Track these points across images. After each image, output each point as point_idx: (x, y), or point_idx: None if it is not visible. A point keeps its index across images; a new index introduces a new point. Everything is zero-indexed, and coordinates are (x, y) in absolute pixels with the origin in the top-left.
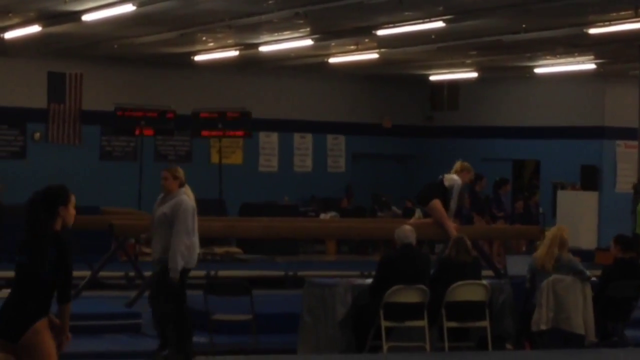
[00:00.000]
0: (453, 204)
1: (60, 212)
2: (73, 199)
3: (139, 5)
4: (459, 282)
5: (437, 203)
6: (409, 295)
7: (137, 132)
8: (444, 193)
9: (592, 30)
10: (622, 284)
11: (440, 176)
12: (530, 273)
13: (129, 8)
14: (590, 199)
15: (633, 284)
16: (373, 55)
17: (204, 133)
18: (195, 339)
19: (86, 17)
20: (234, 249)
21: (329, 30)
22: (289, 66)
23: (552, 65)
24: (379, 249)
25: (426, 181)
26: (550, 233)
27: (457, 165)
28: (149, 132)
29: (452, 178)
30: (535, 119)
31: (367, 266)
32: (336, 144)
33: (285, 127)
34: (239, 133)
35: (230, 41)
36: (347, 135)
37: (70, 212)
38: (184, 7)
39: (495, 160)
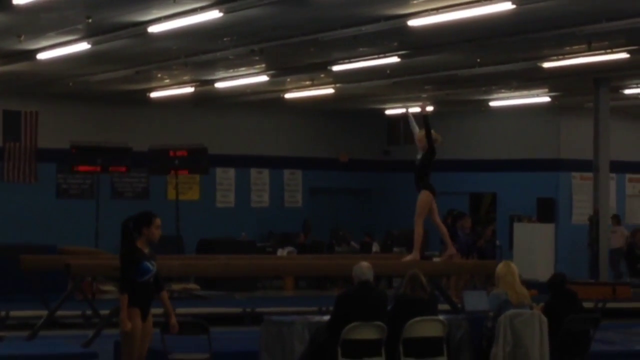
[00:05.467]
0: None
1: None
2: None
3: (94, 44)
4: (416, 319)
5: (425, 195)
6: (367, 332)
7: (93, 170)
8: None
9: (547, 64)
10: (578, 318)
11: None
12: (497, 310)
13: (83, 46)
14: (546, 231)
15: (588, 317)
16: (329, 91)
17: (160, 169)
18: None
19: (41, 56)
20: (192, 285)
21: (285, 66)
22: (245, 102)
23: (508, 98)
24: (337, 284)
25: (384, 215)
26: (505, 269)
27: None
28: (105, 169)
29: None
30: (492, 152)
31: (325, 301)
32: (293, 179)
33: (241, 162)
34: (196, 169)
35: (186, 78)
36: (304, 170)
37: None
38: (139, 45)
39: (452, 194)
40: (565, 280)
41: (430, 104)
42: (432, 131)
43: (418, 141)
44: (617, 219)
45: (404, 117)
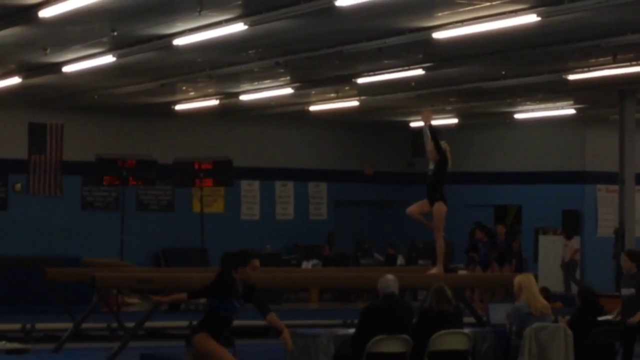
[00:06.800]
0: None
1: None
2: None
3: (119, 57)
4: (442, 332)
5: (441, 205)
6: (392, 345)
7: (118, 182)
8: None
9: (572, 77)
10: (604, 330)
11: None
12: (520, 323)
13: (109, 59)
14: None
15: (614, 329)
16: (353, 103)
17: (185, 182)
18: None
19: (67, 69)
20: None
21: (309, 79)
22: (269, 114)
23: (532, 110)
24: (361, 296)
25: (408, 227)
26: (525, 282)
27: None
28: (130, 181)
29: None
30: (517, 164)
31: (350, 314)
32: (318, 192)
33: (266, 175)
34: (221, 181)
35: (210, 90)
36: (328, 182)
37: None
38: (164, 57)
39: (477, 206)
40: (594, 293)
41: (455, 117)
42: (443, 142)
43: (429, 152)
44: (568, 234)
45: (420, 130)
